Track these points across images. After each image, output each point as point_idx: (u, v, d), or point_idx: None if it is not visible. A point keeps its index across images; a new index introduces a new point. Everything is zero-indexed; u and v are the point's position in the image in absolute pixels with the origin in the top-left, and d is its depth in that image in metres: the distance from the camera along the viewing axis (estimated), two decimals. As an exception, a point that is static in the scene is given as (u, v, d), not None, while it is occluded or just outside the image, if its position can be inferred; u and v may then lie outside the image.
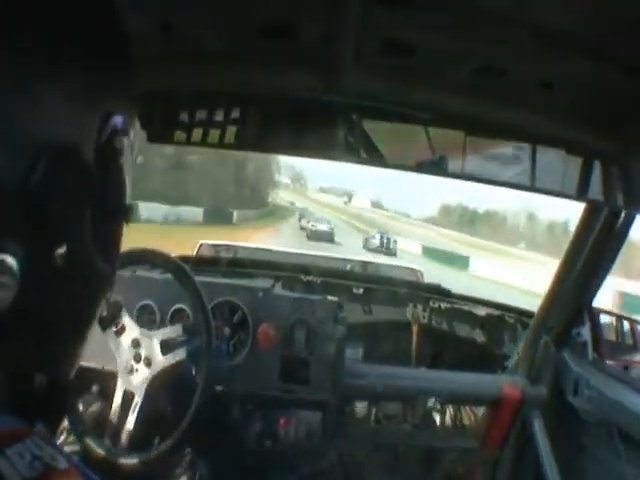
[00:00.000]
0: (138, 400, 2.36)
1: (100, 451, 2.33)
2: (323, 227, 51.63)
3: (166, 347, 2.42)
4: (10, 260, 0.60)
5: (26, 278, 0.62)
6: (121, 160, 0.78)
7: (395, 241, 54.88)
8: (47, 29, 0.63)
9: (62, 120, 0.66)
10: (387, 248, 51.37)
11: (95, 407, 2.61)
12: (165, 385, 2.47)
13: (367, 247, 49.94)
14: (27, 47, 0.61)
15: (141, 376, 2.38)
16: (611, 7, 1.13)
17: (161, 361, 2.40)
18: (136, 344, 2.41)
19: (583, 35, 1.25)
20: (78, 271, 0.72)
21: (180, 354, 2.41)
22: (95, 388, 2.62)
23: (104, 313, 2.34)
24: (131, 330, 2.44)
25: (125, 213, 0.81)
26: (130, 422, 2.34)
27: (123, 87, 0.79)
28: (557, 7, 1.16)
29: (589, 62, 1.33)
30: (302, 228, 54.50)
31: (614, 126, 1.63)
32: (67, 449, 2.42)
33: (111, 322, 2.40)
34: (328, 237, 49.20)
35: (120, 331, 2.44)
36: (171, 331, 2.46)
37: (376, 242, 52.30)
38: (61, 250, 0.66)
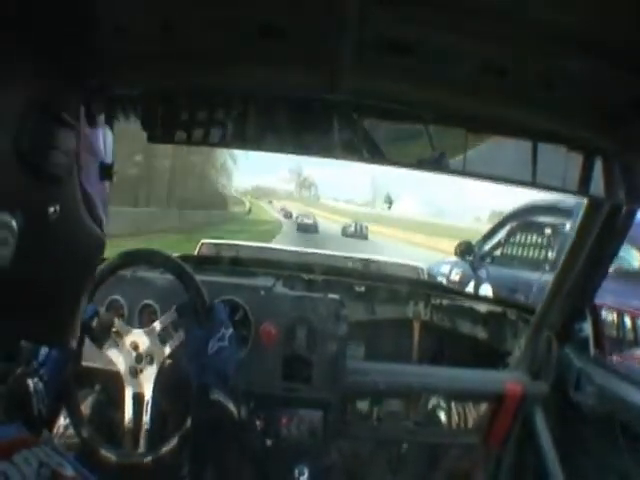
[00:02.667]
0: (149, 399, 2.35)
1: (111, 455, 2.32)
2: (309, 221, 66.99)
3: (164, 336, 2.42)
4: (8, 217, 0.61)
5: (23, 234, 0.63)
6: (99, 123, 0.80)
7: (367, 227, 67.36)
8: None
9: (39, 86, 0.67)
10: (361, 233, 63.60)
11: (102, 410, 2.61)
12: (171, 376, 2.47)
13: (345, 234, 61.85)
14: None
15: (147, 375, 2.38)
16: (611, 5, 1.12)
17: (163, 351, 2.40)
18: (135, 346, 2.39)
19: (583, 33, 1.25)
20: (70, 229, 0.74)
21: (180, 336, 2.41)
22: (99, 389, 2.62)
23: (97, 325, 2.33)
24: (127, 334, 2.43)
25: (108, 173, 0.83)
26: (145, 423, 2.34)
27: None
28: (557, 5, 1.16)
29: (589, 60, 1.32)
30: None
31: (615, 123, 1.63)
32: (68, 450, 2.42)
33: (106, 334, 2.39)
34: (313, 229, 62.18)
35: (116, 338, 2.43)
36: (166, 318, 2.45)
37: (352, 229, 64.68)
38: (54, 207, 0.68)
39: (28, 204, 0.65)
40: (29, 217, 0.65)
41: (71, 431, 2.45)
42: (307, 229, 59.75)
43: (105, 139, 0.83)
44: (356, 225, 67.01)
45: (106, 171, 0.83)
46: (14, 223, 0.62)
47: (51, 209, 0.68)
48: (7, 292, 0.66)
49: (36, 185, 0.66)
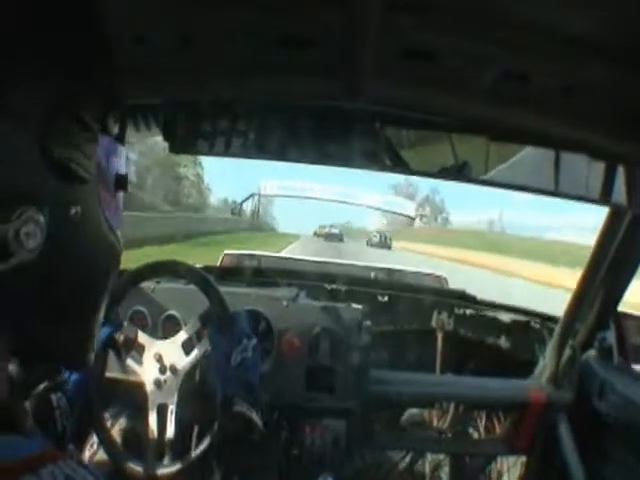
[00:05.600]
0: (173, 409, 2.35)
1: (138, 467, 2.33)
2: (335, 231, 71.08)
3: (187, 346, 2.43)
4: (34, 211, 0.63)
5: (48, 232, 0.65)
6: (115, 132, 0.82)
7: (390, 238, 70.25)
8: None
9: (65, 90, 0.69)
10: (385, 244, 66.51)
11: (126, 422, 2.62)
12: (195, 386, 2.48)
13: (369, 244, 65.94)
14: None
15: (171, 385, 2.38)
16: (630, 12, 1.13)
17: (186, 362, 2.40)
18: (159, 357, 2.40)
19: (603, 39, 1.25)
20: (90, 232, 0.76)
21: (203, 346, 2.42)
22: (123, 400, 2.64)
23: (121, 338, 2.35)
24: (150, 345, 2.44)
25: (123, 182, 0.85)
26: (170, 432, 2.34)
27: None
28: (576, 12, 1.17)
29: (611, 66, 1.33)
30: (315, 234, 73.14)
31: (637, 130, 1.63)
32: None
33: (129, 347, 2.41)
34: (339, 238, 67.09)
35: (140, 350, 2.44)
36: (189, 328, 2.46)
37: (376, 240, 68.16)
38: (75, 209, 0.70)
39: (52, 202, 0.67)
40: (53, 215, 0.67)
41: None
42: (333, 238, 64.73)
43: (120, 148, 0.85)
44: (381, 236, 70.07)
45: (121, 181, 0.85)
46: (42, 218, 0.65)
47: (73, 210, 0.70)
48: (27, 293, 0.68)
49: (59, 184, 0.68)
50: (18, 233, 0.62)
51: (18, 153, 0.63)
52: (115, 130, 0.82)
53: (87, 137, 0.72)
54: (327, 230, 71.43)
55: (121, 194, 0.86)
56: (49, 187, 0.67)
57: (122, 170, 0.86)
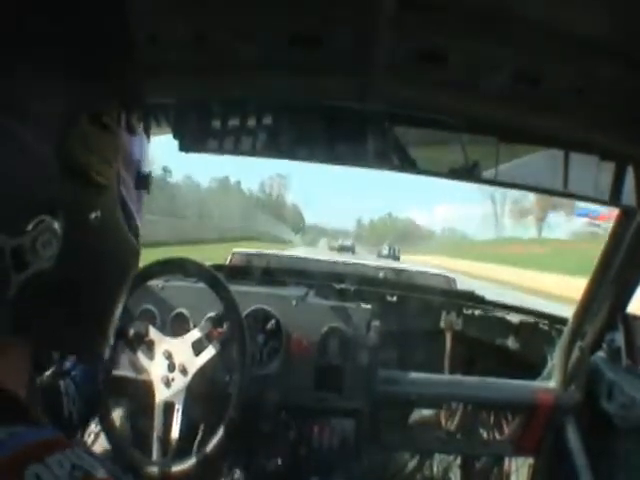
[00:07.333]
0: (179, 407, 2.37)
1: (143, 464, 2.34)
2: (347, 243, 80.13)
3: (198, 347, 2.44)
4: (50, 219, 0.63)
5: (65, 238, 0.65)
6: (137, 132, 0.82)
7: (399, 250, 78.01)
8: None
9: (84, 92, 0.69)
10: (393, 255, 72.64)
11: (132, 419, 2.63)
12: (203, 387, 2.48)
13: (379, 255, 70.72)
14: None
15: (178, 384, 2.39)
16: None
17: (195, 363, 2.41)
18: (168, 355, 2.42)
19: (616, 41, 1.26)
20: (109, 235, 0.76)
21: (215, 346, 2.42)
22: (130, 398, 2.65)
23: (131, 332, 2.37)
24: (161, 342, 2.46)
25: (144, 182, 0.85)
26: (175, 431, 2.36)
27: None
28: (589, 14, 1.17)
29: (622, 68, 1.33)
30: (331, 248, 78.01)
31: None
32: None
33: (140, 341, 2.42)
34: (351, 249, 73.84)
35: (150, 346, 2.46)
36: (200, 329, 2.47)
37: (385, 252, 74.92)
38: (95, 213, 0.70)
39: (70, 209, 0.66)
40: (71, 221, 0.66)
41: (102, 439, 2.49)
42: (346, 250, 72.08)
43: (143, 148, 0.85)
44: (390, 248, 75.94)
45: (143, 180, 0.85)
46: (57, 226, 0.64)
47: (92, 215, 0.70)
48: (46, 297, 0.68)
49: (78, 191, 0.67)
50: (34, 244, 0.62)
51: (34, 161, 0.63)
52: (138, 129, 0.82)
53: (106, 140, 0.72)
54: (340, 242, 79.44)
55: (143, 192, 0.86)
56: (67, 195, 0.66)
57: (145, 168, 0.86)
